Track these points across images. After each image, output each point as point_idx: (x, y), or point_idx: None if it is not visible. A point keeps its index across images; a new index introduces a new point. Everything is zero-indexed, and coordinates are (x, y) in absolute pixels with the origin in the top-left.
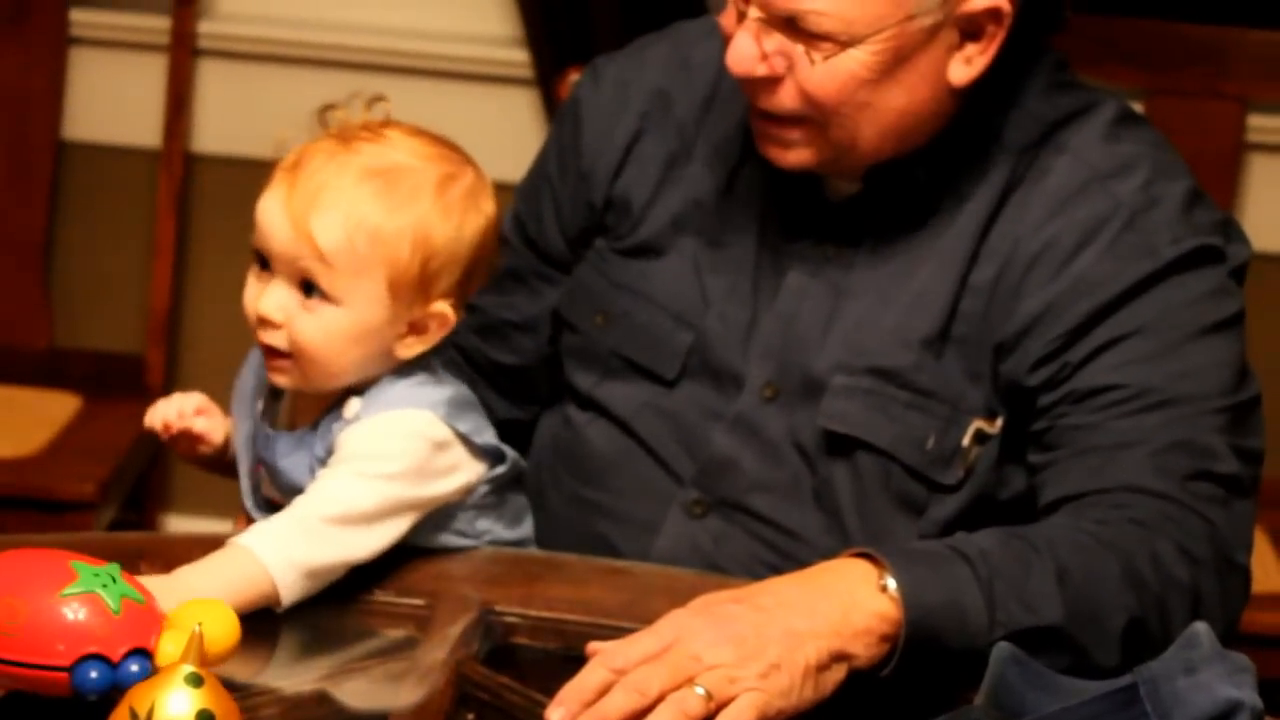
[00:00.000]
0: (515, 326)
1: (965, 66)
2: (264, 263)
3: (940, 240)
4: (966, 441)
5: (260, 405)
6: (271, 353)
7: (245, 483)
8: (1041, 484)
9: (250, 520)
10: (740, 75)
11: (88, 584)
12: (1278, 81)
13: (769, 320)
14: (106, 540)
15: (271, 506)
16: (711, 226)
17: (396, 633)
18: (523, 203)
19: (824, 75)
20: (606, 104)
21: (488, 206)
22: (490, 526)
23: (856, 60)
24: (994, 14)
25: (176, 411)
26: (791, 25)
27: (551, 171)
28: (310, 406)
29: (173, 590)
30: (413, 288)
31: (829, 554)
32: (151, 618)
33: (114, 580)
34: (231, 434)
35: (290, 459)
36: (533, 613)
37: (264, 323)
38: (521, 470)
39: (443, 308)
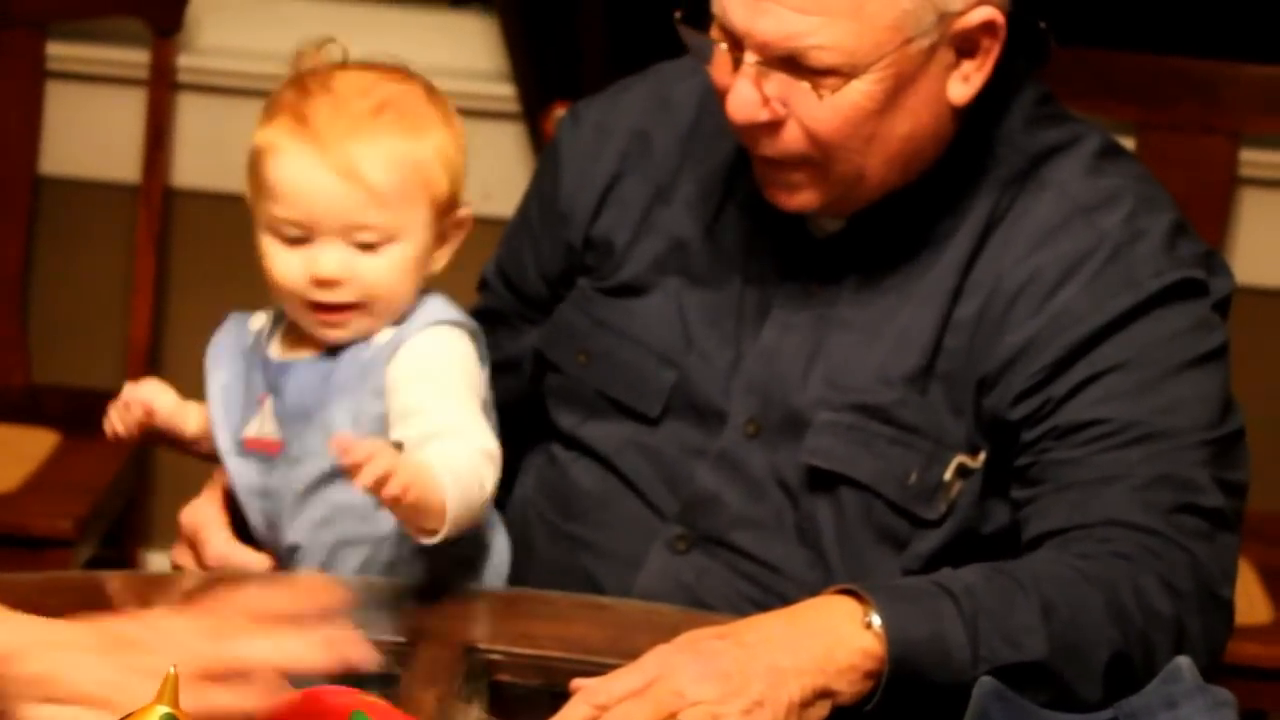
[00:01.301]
0: (498, 366)
1: (963, 84)
2: (292, 237)
3: (924, 276)
4: (948, 476)
5: (254, 341)
6: (331, 310)
7: (226, 429)
8: (1025, 519)
9: (222, 454)
10: (743, 122)
11: None
12: (1270, 115)
13: (752, 357)
14: (83, 579)
15: (248, 452)
16: (694, 265)
17: (379, 670)
18: (504, 246)
19: (830, 111)
20: (585, 146)
21: (450, 101)
22: None
23: (860, 91)
24: (988, 28)
25: (125, 421)
26: (792, 64)
27: (532, 215)
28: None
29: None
30: (446, 202)
31: (812, 589)
32: None
33: None
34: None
35: (307, 384)
36: (516, 649)
37: (324, 284)
38: None
39: (465, 211)
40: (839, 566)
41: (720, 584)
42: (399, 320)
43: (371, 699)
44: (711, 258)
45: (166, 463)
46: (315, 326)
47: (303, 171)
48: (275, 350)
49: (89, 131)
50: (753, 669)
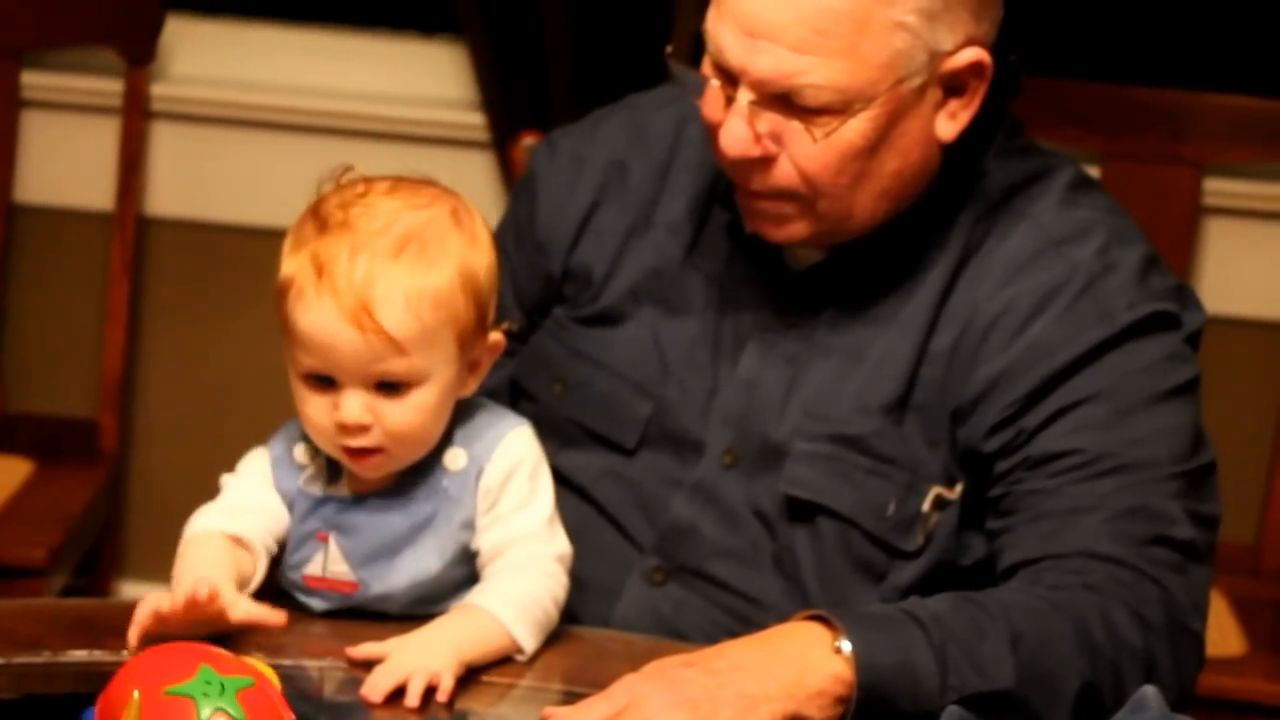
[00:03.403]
0: None
1: (951, 122)
2: (322, 380)
3: (901, 308)
4: (926, 508)
5: (308, 476)
6: (360, 453)
7: (294, 552)
8: (999, 549)
9: (289, 587)
10: (735, 158)
11: (192, 689)
12: (1234, 145)
13: (729, 388)
14: (56, 606)
15: (314, 590)
16: (671, 295)
17: (344, 699)
18: None
19: (823, 149)
20: (562, 176)
21: (480, 217)
22: None
23: (854, 130)
24: (976, 68)
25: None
26: (786, 103)
27: (508, 245)
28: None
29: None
30: (474, 330)
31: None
32: None
33: (221, 693)
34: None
35: (384, 524)
36: (484, 678)
37: (350, 430)
38: None
39: (495, 336)
40: (817, 597)
41: (698, 615)
42: (455, 438)
43: (219, 651)
44: (689, 288)
45: (140, 492)
46: (352, 467)
47: (322, 321)
48: (320, 485)
49: (63, 160)
50: (722, 696)
